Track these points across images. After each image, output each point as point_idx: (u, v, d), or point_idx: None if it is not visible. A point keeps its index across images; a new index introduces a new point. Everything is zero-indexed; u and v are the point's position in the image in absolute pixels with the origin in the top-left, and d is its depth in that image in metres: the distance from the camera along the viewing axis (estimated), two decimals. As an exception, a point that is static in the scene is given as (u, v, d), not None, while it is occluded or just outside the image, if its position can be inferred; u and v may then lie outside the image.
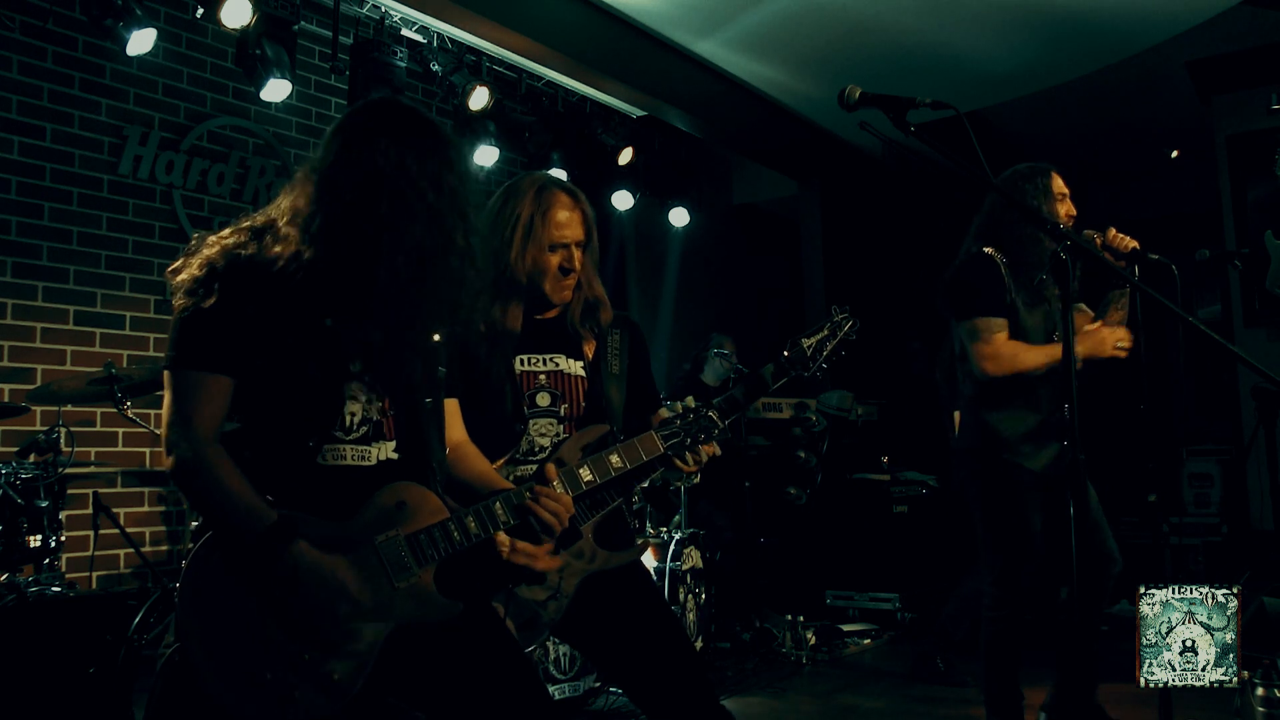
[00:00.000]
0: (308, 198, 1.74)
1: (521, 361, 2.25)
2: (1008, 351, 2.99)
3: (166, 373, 1.70)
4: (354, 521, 1.72)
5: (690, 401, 2.03)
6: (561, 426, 2.24)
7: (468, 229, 1.80)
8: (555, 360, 2.28)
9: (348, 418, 1.76)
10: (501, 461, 2.20)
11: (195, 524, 1.77)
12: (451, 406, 2.01)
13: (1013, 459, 3.01)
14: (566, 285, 2.26)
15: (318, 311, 1.74)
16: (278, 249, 1.71)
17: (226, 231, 1.78)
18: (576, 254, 2.25)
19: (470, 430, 2.10)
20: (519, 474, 2.20)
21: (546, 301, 2.27)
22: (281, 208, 1.77)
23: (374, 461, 1.78)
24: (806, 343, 2.21)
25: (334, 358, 1.76)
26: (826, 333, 2.22)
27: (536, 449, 2.22)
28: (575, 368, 2.29)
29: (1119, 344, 3.03)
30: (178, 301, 1.72)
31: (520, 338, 2.26)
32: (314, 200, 1.73)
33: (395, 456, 1.81)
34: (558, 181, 2.31)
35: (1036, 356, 3.00)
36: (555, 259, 2.23)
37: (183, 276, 1.72)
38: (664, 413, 2.05)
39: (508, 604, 2.01)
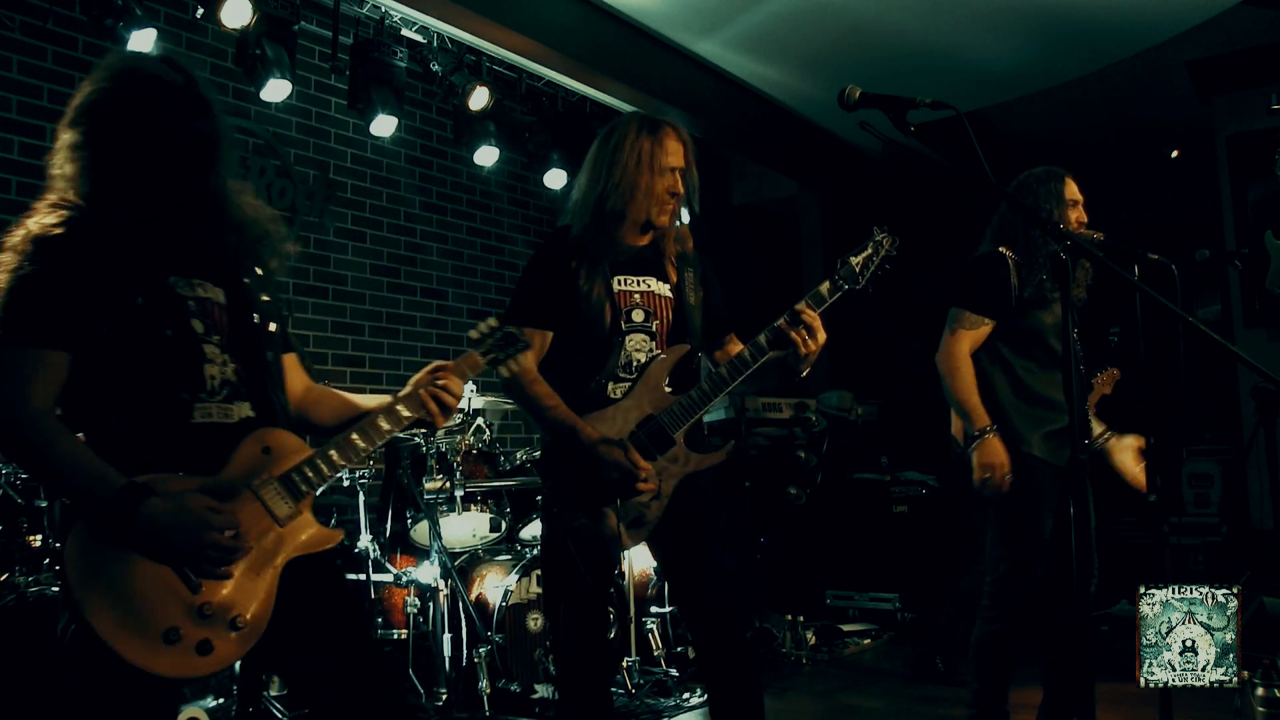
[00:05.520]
0: (71, 148, 1.81)
1: (619, 281, 2.47)
2: (958, 364, 3.04)
3: None
4: (225, 472, 1.80)
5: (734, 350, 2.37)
6: (653, 342, 2.47)
7: (219, 173, 1.90)
8: (647, 282, 2.51)
9: (208, 380, 1.83)
10: (598, 377, 2.41)
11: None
12: (290, 360, 2.07)
13: (1032, 453, 3.01)
14: (669, 208, 2.47)
15: (160, 269, 1.82)
16: (65, 208, 1.77)
17: (40, 206, 1.82)
18: (680, 180, 2.47)
19: (569, 348, 2.43)
20: (617, 389, 2.42)
21: (648, 225, 2.48)
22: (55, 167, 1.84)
23: (236, 419, 1.86)
24: (854, 260, 2.41)
25: (182, 318, 1.83)
26: (871, 250, 2.42)
27: (633, 364, 2.44)
28: (664, 289, 2.52)
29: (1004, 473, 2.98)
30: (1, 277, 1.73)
31: (616, 262, 2.48)
32: (76, 149, 1.80)
33: (253, 415, 1.89)
34: (661, 117, 2.52)
35: (965, 389, 3.02)
36: (664, 182, 2.44)
37: (5, 255, 1.74)
38: (734, 346, 2.48)
39: (619, 507, 2.32)
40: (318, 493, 1.89)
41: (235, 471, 1.80)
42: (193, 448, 1.78)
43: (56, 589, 3.25)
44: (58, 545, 1.70)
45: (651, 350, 2.45)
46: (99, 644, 1.63)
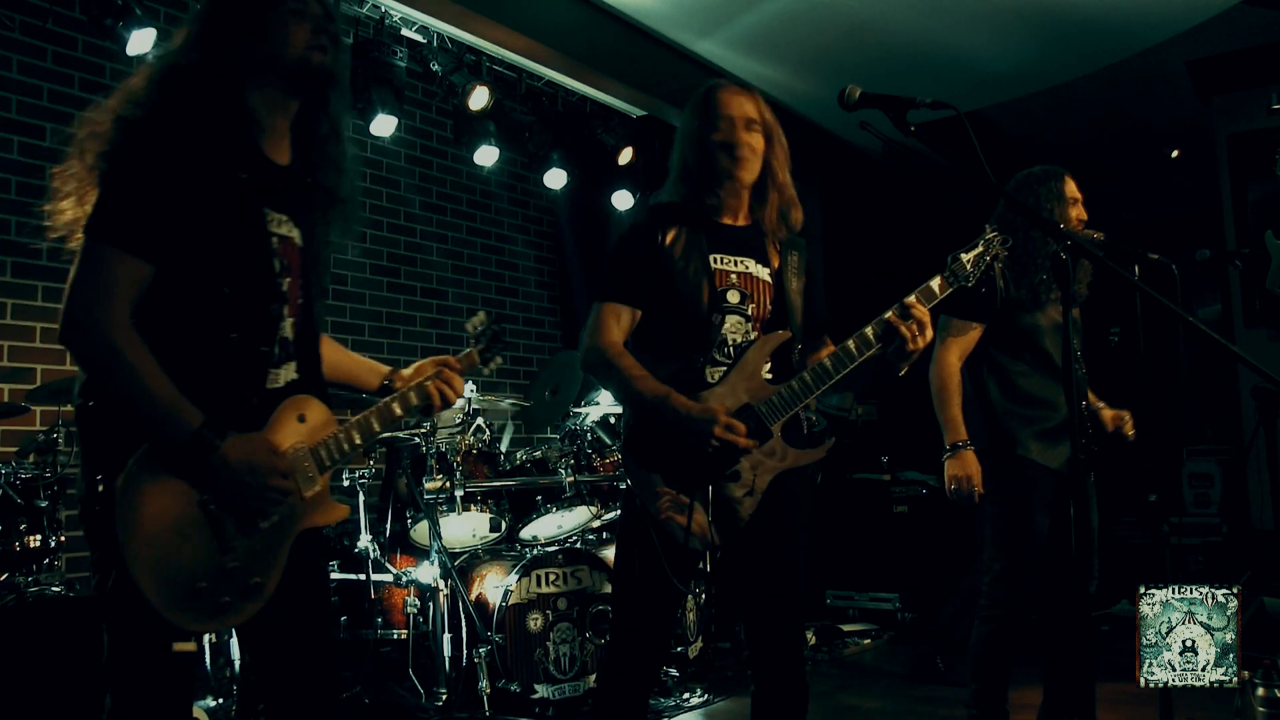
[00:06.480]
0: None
1: (715, 260, 2.35)
2: (943, 376, 3.07)
3: (84, 238, 1.66)
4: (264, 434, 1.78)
5: (852, 345, 2.25)
6: (749, 325, 2.34)
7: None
8: (745, 263, 2.38)
9: (279, 340, 1.81)
10: (696, 357, 2.29)
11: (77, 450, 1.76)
12: None
13: (1028, 456, 3.01)
14: (739, 155, 2.37)
15: (259, 196, 1.75)
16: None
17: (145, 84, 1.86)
18: (742, 129, 2.37)
19: (660, 326, 2.31)
20: (714, 373, 2.28)
21: (735, 187, 2.39)
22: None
23: (282, 384, 1.83)
24: (966, 258, 2.34)
25: (268, 256, 1.76)
26: (982, 248, 2.36)
27: (728, 344, 2.32)
28: (763, 273, 2.40)
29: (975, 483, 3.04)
30: (96, 165, 1.70)
31: (713, 240, 2.36)
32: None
33: (296, 377, 1.86)
34: (729, 81, 2.47)
35: (947, 402, 3.05)
36: (723, 130, 2.36)
37: (118, 140, 1.72)
38: (827, 348, 2.32)
39: (708, 503, 2.19)
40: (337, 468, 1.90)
41: (273, 436, 1.78)
42: (258, 411, 1.78)
43: (57, 589, 3.27)
44: (99, 480, 1.66)
45: (748, 334, 2.32)
46: (132, 589, 1.63)
